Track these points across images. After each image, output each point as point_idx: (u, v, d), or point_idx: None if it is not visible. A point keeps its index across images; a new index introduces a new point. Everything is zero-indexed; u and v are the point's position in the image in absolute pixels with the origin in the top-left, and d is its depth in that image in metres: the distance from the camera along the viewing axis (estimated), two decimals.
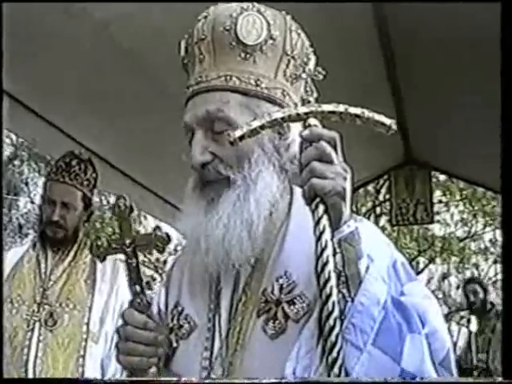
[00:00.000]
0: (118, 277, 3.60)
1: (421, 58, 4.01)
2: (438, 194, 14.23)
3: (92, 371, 3.39)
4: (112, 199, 10.80)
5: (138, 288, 1.63)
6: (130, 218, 1.65)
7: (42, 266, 3.54)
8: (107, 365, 3.45)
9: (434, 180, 8.10)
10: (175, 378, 1.60)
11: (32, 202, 11.53)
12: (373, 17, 3.64)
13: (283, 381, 1.43)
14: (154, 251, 1.66)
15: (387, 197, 9.64)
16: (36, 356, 3.32)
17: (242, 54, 1.61)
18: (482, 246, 18.56)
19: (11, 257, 3.59)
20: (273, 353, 1.49)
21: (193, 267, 1.69)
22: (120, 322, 1.64)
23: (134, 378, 1.60)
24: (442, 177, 12.45)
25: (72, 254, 3.58)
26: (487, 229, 17.52)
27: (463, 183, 12.37)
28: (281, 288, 1.55)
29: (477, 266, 19.48)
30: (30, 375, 3.29)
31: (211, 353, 1.59)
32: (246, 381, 1.51)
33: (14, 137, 10.83)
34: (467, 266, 19.23)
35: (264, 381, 1.44)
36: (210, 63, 1.63)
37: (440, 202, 15.70)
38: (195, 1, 2.94)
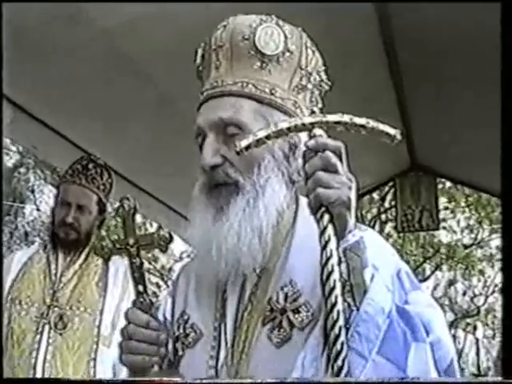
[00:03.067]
0: (130, 281, 3.56)
1: (425, 64, 4.01)
2: (443, 200, 14.20)
3: (103, 375, 3.36)
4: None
5: (141, 287, 1.67)
6: (133, 218, 1.68)
7: (53, 267, 3.50)
8: (120, 369, 3.41)
9: (439, 186, 8.10)
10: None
11: (38, 210, 11.54)
12: (377, 24, 3.65)
13: (283, 381, 1.44)
14: (159, 255, 1.67)
15: (392, 203, 9.63)
16: (45, 359, 3.30)
17: (259, 63, 1.64)
18: (488, 253, 18.53)
19: (20, 257, 3.58)
20: (278, 361, 1.50)
21: (200, 276, 1.70)
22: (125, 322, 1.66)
23: (136, 378, 1.62)
24: (448, 183, 12.44)
25: (83, 256, 3.55)
26: (493, 235, 17.50)
27: (468, 190, 12.36)
28: (286, 297, 1.56)
29: (483, 272, 19.45)
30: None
31: (217, 361, 1.59)
32: (245, 381, 1.53)
33: (20, 146, 10.86)
34: (473, 272, 19.20)
35: (264, 381, 1.45)
36: (226, 69, 1.66)
37: (446, 208, 15.67)
38: (197, 1, 2.96)
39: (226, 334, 1.61)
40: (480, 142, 4.77)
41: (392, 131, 1.43)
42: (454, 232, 17.89)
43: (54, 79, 3.62)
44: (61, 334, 3.34)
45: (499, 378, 1.43)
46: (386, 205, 15.32)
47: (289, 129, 1.47)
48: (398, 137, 1.43)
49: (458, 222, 17.73)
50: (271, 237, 1.59)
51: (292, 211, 1.66)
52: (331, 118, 1.45)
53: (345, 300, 1.40)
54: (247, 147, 1.46)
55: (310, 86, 1.69)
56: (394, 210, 7.80)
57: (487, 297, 20.04)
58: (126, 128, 4.29)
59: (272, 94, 1.63)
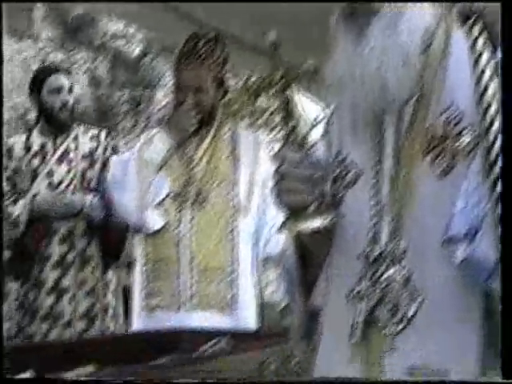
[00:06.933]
0: (260, 150, 3.62)
1: None
2: None
3: (244, 243, 3.48)
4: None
5: (291, 124, 1.54)
6: (278, 52, 1.55)
7: (185, 146, 3.58)
8: (259, 236, 3.53)
9: None
10: None
11: (169, 95, 11.70)
12: None
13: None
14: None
15: None
16: (189, 235, 3.42)
17: None
18: None
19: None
20: (442, 191, 1.41)
21: (353, 110, 1.58)
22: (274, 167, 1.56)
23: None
24: None
25: (212, 132, 3.61)
26: None
27: None
28: (447, 122, 1.45)
29: None
30: (185, 254, 3.41)
31: (379, 199, 1.52)
32: None
33: (142, 33, 10.95)
34: None
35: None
36: None
37: None
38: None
39: (386, 169, 1.52)
40: None
41: None
42: None
43: None
44: (201, 209, 3.45)
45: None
46: None
47: None
48: None
49: None
50: (422, 58, 1.47)
51: (443, 28, 1.50)
52: None
53: None
54: None
55: None
56: None
57: None
58: None
59: None
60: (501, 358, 1.28)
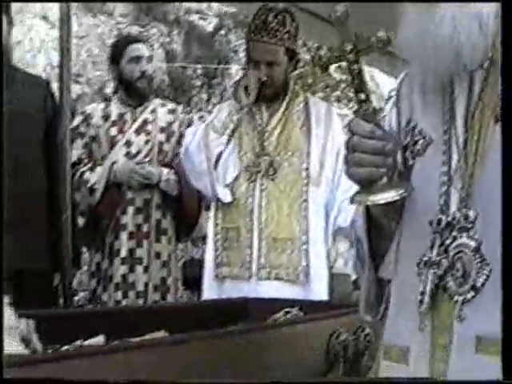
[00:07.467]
0: (332, 121, 3.63)
1: None
2: None
3: (315, 215, 3.50)
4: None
5: (362, 96, 1.50)
6: (347, 23, 1.51)
7: (257, 117, 3.62)
8: (330, 208, 3.55)
9: None
10: None
11: (243, 69, 11.67)
12: None
13: None
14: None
15: None
16: (260, 205, 3.46)
17: None
18: None
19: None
20: None
21: (423, 78, 1.57)
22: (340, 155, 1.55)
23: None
24: None
25: (284, 104, 3.64)
26: None
27: None
28: None
29: None
30: (256, 224, 3.45)
31: (449, 166, 1.49)
32: None
33: (217, 8, 10.95)
34: None
35: None
36: None
37: None
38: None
39: (456, 136, 1.50)
40: None
41: None
42: None
43: None
44: (272, 180, 3.49)
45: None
46: None
47: None
48: None
49: None
50: (495, 24, 1.43)
51: None
52: None
53: None
54: None
55: None
56: None
57: None
58: None
59: None
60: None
